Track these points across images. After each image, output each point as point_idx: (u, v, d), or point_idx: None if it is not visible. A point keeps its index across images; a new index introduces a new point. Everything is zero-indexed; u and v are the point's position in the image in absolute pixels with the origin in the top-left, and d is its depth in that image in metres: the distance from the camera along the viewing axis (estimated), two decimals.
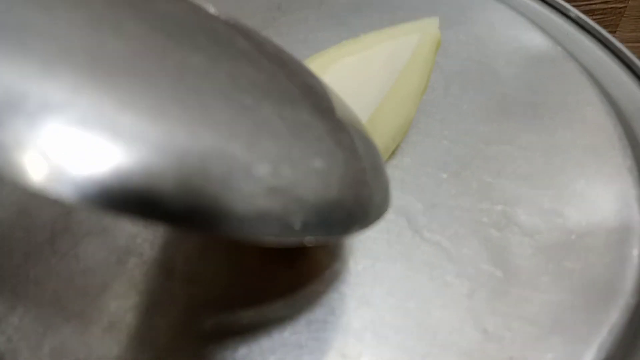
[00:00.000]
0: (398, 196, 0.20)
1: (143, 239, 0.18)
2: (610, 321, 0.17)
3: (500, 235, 0.19)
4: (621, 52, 0.25)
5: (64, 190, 0.09)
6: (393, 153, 0.21)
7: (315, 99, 0.14)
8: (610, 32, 0.26)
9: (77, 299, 0.17)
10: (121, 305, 0.17)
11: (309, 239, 0.11)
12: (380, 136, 0.20)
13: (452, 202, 0.20)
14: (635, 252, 0.18)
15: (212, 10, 0.15)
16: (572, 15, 0.27)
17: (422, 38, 0.21)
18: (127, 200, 0.09)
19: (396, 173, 0.21)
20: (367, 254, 0.18)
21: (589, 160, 0.21)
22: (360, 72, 0.20)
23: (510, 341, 0.17)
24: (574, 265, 0.18)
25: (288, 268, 0.18)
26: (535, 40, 0.26)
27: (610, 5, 0.50)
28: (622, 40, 0.25)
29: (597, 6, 0.49)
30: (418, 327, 0.17)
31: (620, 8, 0.55)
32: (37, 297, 0.17)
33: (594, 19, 0.27)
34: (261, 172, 0.11)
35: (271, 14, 0.27)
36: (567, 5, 0.27)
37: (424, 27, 0.21)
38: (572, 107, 0.23)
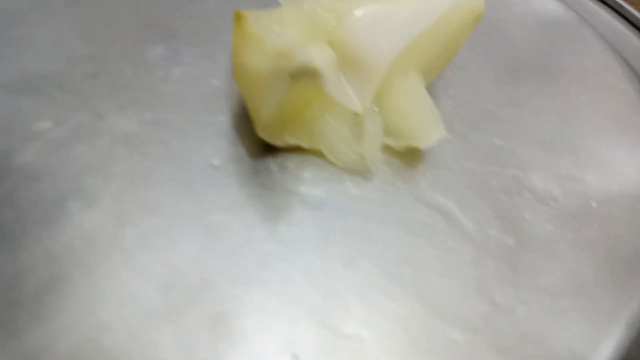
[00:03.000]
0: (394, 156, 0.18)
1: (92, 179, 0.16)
2: None
3: (511, 200, 0.17)
4: (638, 20, 0.23)
5: None
6: None
7: None
8: None
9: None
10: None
11: None
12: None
13: (457, 164, 0.18)
14: None
15: None
16: None
17: (458, 4, 0.18)
18: None
19: None
20: (357, 213, 0.16)
21: (609, 125, 0.19)
22: (383, 23, 0.18)
23: (523, 315, 0.14)
24: (595, 234, 0.16)
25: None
26: (547, 4, 0.24)
27: None
28: None
29: None
30: (414, 295, 0.14)
31: None
32: None
33: None
34: None
35: None
36: None
37: None
38: (589, 72, 0.21)
